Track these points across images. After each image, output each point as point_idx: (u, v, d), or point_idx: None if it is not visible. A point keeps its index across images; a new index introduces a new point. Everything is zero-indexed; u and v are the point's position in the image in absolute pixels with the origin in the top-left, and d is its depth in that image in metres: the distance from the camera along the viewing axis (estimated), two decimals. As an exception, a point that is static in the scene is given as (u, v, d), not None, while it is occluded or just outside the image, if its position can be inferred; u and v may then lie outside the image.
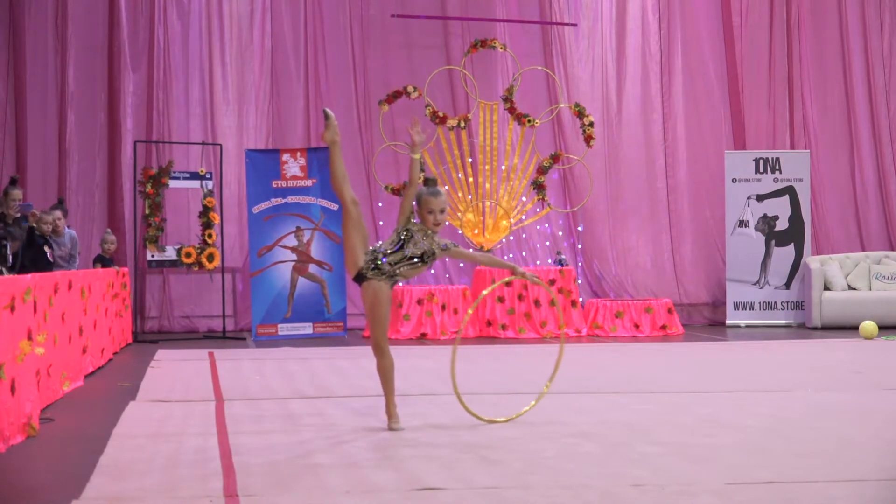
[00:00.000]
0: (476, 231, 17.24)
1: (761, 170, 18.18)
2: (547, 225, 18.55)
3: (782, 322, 18.02)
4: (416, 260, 7.41)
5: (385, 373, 7.64)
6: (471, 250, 7.47)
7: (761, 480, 5.78)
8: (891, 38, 19.77)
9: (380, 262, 7.36)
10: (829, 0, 19.70)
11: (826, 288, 17.40)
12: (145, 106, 17.88)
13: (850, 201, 19.62)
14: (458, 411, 8.24)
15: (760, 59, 19.46)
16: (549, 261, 17.98)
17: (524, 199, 17.46)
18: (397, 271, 7.41)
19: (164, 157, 17.22)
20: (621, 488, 5.59)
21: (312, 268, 16.49)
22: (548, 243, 18.56)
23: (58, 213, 14.07)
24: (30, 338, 7.71)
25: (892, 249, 18.90)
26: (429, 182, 7.46)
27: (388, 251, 7.40)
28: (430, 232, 7.47)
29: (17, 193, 13.31)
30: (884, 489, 5.63)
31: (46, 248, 13.50)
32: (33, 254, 13.10)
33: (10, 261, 13.02)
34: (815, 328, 17.15)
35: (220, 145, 17.54)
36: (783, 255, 18.15)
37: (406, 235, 7.42)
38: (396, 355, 13.28)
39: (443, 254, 7.51)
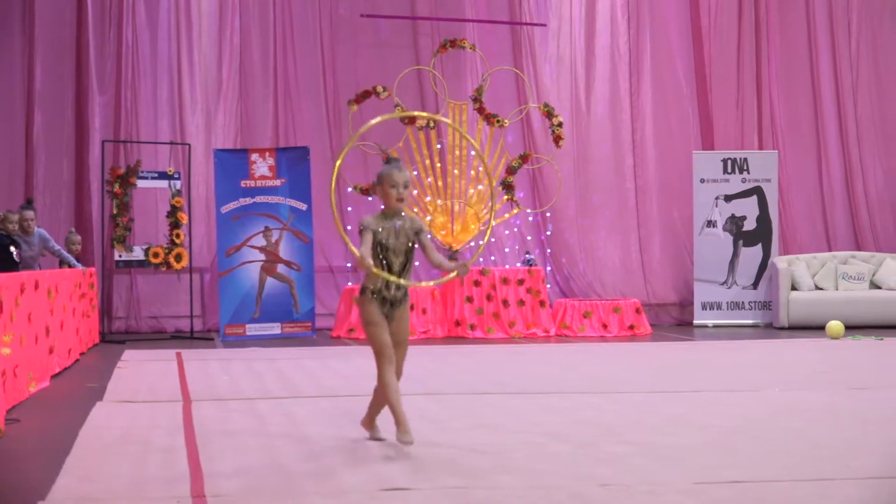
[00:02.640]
0: (445, 231, 17.25)
1: (729, 170, 18.26)
2: (516, 228, 18.58)
3: (750, 322, 18.09)
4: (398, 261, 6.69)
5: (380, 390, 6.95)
6: (430, 252, 6.92)
7: (728, 480, 5.79)
8: (858, 39, 19.88)
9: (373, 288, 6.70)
10: (797, 1, 19.81)
11: (793, 288, 17.49)
12: (113, 105, 17.81)
13: (817, 202, 19.73)
14: (427, 412, 8.24)
15: (729, 59, 19.55)
16: (518, 263, 17.99)
17: (496, 196, 17.45)
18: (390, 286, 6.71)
19: (132, 156, 17.19)
20: (590, 488, 5.60)
21: (281, 268, 16.47)
22: (517, 246, 18.58)
23: (30, 214, 14.02)
24: (-5, 338, 7.67)
25: (859, 250, 19.00)
26: (391, 160, 6.89)
27: (379, 286, 6.68)
28: (395, 216, 6.76)
29: (-16, 196, 13.24)
30: (852, 488, 5.65)
31: (12, 248, 13.41)
32: (2, 254, 13.01)
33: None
34: (782, 328, 17.25)
35: (189, 145, 17.49)
36: (751, 256, 18.23)
37: (380, 249, 6.63)
38: (364, 356, 13.30)
39: (417, 236, 6.77)
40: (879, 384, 10.32)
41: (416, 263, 17.76)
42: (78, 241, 15.83)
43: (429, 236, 6.97)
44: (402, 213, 6.75)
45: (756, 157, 18.49)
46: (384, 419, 6.89)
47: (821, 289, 17.61)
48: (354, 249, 6.54)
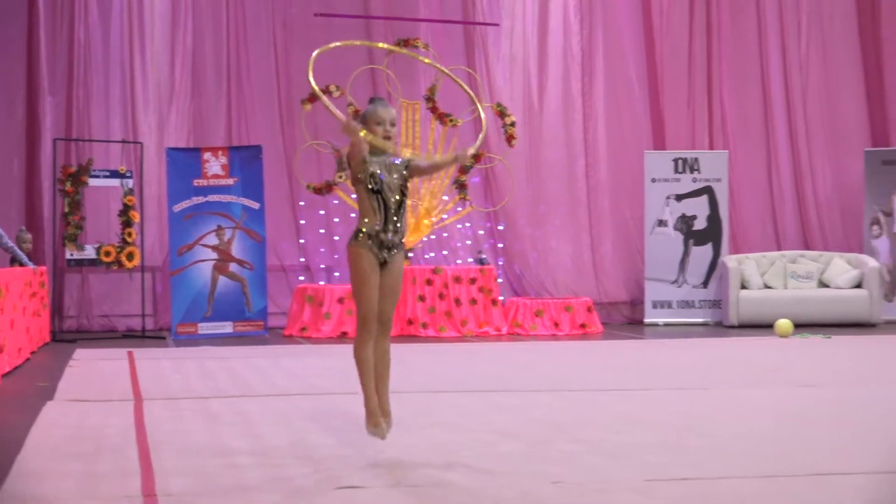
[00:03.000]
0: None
1: (680, 170, 18.36)
2: (468, 224, 18.61)
3: (700, 320, 18.20)
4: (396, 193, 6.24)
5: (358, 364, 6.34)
6: (424, 162, 6.72)
7: (679, 477, 5.85)
8: (808, 42, 20.03)
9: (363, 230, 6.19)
10: (749, 3, 19.95)
11: (743, 286, 17.61)
12: (65, 104, 17.72)
13: (766, 201, 19.88)
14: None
15: (680, 60, 19.66)
16: (470, 259, 18.03)
17: (446, 198, 17.49)
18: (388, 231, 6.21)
19: (84, 155, 17.10)
20: (541, 486, 5.63)
21: (233, 266, 16.43)
22: (468, 242, 18.62)
23: None
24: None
25: (808, 249, 19.15)
26: (375, 100, 6.41)
27: (377, 227, 6.18)
28: (384, 153, 6.29)
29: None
30: (799, 484, 5.70)
31: None
32: None
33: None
34: (732, 326, 17.36)
35: (141, 144, 17.43)
36: (701, 255, 18.34)
37: (373, 182, 6.15)
38: (317, 354, 13.33)
39: (410, 171, 6.34)
40: (827, 382, 10.45)
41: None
42: (29, 239, 15.75)
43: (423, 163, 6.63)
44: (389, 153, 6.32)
45: (707, 158, 18.61)
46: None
47: (770, 287, 17.75)
48: (338, 113, 6.35)
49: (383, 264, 6.21)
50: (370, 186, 6.12)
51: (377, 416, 6.16)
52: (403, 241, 6.29)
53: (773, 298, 17.39)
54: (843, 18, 20.15)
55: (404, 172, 6.31)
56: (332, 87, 16.92)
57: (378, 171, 6.14)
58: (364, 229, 6.15)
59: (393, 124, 6.27)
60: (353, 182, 6.24)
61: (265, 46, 18.48)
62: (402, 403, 8.71)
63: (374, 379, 6.26)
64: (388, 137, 6.21)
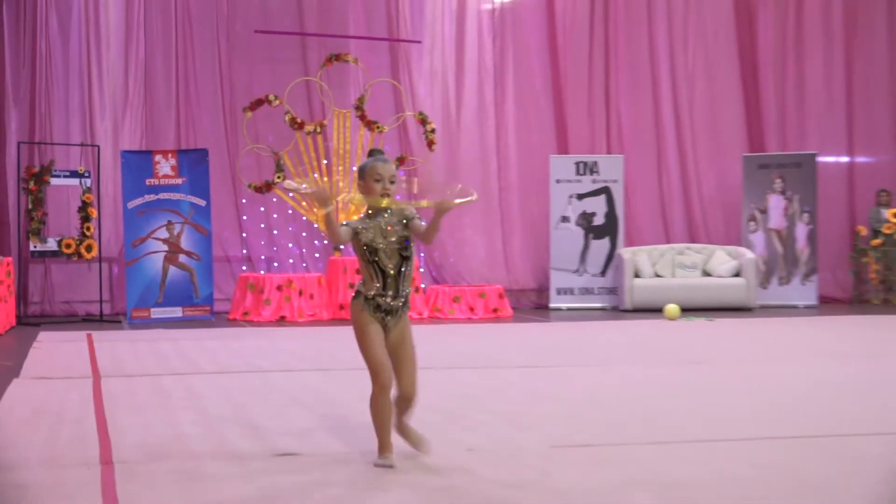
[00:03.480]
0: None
1: (581, 172, 18.48)
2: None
3: (598, 305, 18.33)
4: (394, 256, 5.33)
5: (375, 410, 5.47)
6: (423, 226, 5.37)
7: (580, 444, 5.93)
8: (693, 58, 20.23)
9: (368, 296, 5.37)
10: (641, 21, 20.10)
11: (636, 275, 17.77)
12: (28, 109, 17.57)
13: (657, 200, 20.05)
14: (317, 386, 8.29)
15: (581, 74, 19.77)
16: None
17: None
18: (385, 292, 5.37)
19: (46, 156, 17.02)
20: (457, 452, 5.70)
21: (182, 257, 16.38)
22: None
23: None
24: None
25: (693, 242, 19.36)
26: (374, 152, 5.43)
27: (373, 293, 5.37)
28: (379, 213, 5.38)
29: None
30: (688, 450, 5.80)
31: None
32: None
33: None
34: (626, 310, 17.49)
35: (98, 147, 17.32)
36: (599, 247, 18.47)
37: (368, 253, 5.33)
38: (258, 336, 13.30)
39: (408, 228, 5.36)
40: (711, 359, 10.57)
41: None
42: None
43: (423, 223, 5.37)
44: (389, 210, 5.35)
45: (604, 161, 18.74)
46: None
47: (660, 276, 17.93)
48: (306, 189, 5.44)
49: (386, 327, 5.37)
50: (366, 257, 5.31)
51: (390, 449, 5.36)
52: (407, 304, 5.45)
53: (662, 286, 17.57)
54: (724, 38, 20.36)
55: (403, 233, 5.31)
56: (272, 97, 16.88)
57: (372, 240, 5.27)
58: (363, 291, 5.38)
59: (392, 181, 5.33)
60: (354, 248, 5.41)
61: (211, 59, 18.39)
62: (336, 379, 8.76)
63: (389, 430, 5.43)
64: (385, 195, 5.29)
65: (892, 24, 20.78)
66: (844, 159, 20.65)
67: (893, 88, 20.76)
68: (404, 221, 5.34)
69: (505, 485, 4.97)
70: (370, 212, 5.38)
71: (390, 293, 5.32)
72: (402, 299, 5.37)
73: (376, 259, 5.30)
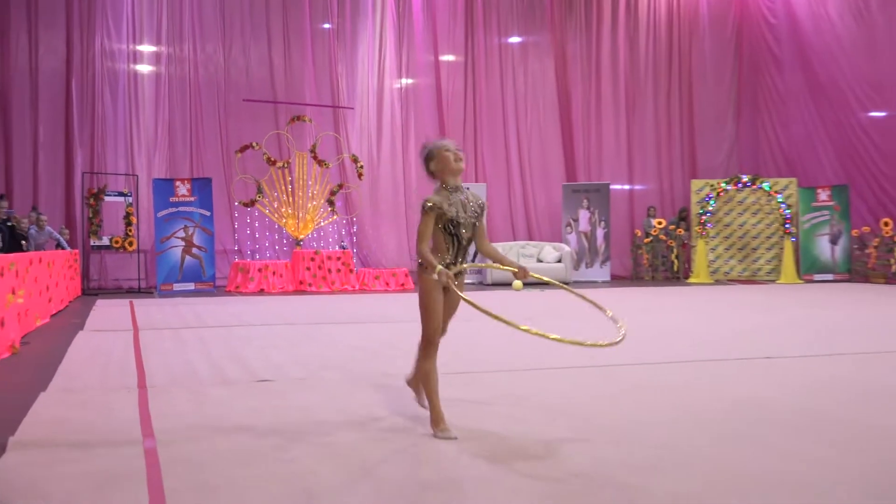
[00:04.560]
0: (294, 228, 17.26)
1: (458, 194, 18.62)
2: (335, 224, 18.69)
3: (470, 281, 18.39)
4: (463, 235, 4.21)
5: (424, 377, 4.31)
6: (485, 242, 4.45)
7: (456, 371, 6.01)
8: (530, 119, 20.49)
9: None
10: (497, 96, 20.30)
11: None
12: (89, 150, 17.33)
13: (507, 213, 20.15)
14: (281, 337, 8.33)
15: (458, 129, 19.92)
16: (337, 246, 18.10)
17: (322, 210, 17.52)
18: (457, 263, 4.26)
19: (101, 182, 16.79)
20: (377, 377, 5.76)
21: (194, 250, 16.29)
22: (336, 236, 18.70)
23: (44, 217, 14.47)
24: (13, 293, 7.54)
25: (531, 240, 19.56)
26: (430, 141, 4.34)
27: (448, 260, 4.22)
28: (458, 189, 4.24)
29: (3, 204, 12.96)
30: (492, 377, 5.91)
31: (23, 241, 13.13)
32: (13, 243, 12.76)
33: (1, 246, 12.58)
34: (488, 284, 17.52)
35: (137, 175, 17.15)
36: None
37: (451, 226, 4.17)
38: (245, 302, 13.20)
39: (480, 213, 4.30)
40: (538, 315, 10.54)
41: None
42: (66, 233, 15.75)
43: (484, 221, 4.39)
44: (462, 186, 4.25)
45: (474, 187, 18.79)
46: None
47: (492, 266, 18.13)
48: (438, 267, 3.99)
49: (448, 289, 4.15)
50: (448, 229, 4.13)
51: (443, 420, 4.12)
52: (466, 269, 4.28)
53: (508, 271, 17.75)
54: (550, 107, 20.63)
55: (478, 211, 4.26)
56: (255, 144, 16.82)
57: (456, 215, 4.14)
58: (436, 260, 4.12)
59: (458, 149, 4.25)
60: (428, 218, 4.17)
61: (213, 117, 18.25)
62: (296, 332, 8.76)
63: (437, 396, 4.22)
64: (459, 159, 4.17)
65: (656, 99, 21.31)
66: (627, 187, 21.12)
67: (657, 142, 21.30)
68: (481, 210, 4.28)
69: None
70: (445, 187, 4.20)
71: (459, 261, 4.24)
72: (466, 264, 4.28)
73: (456, 231, 4.17)
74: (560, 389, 5.35)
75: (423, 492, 3.13)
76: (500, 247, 18.40)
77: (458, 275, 4.21)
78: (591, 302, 4.24)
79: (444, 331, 4.33)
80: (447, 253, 4.17)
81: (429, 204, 4.09)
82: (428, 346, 4.21)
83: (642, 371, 6.03)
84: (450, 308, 4.30)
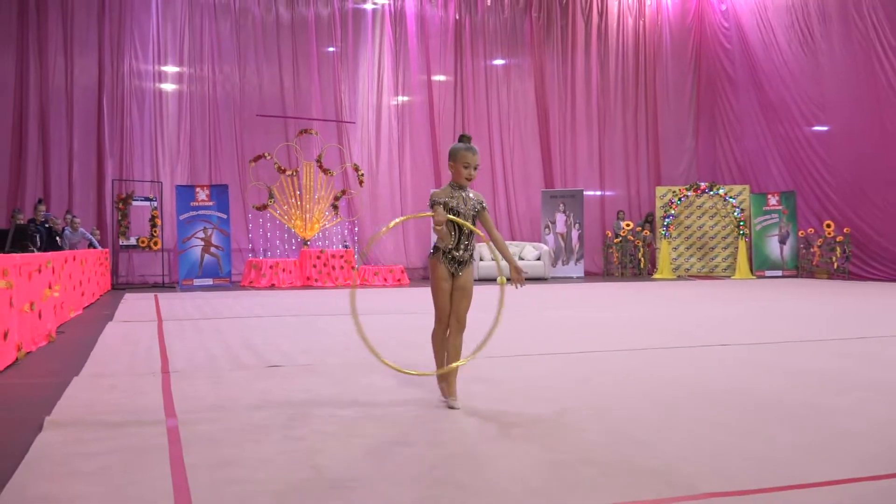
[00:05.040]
0: (301, 230, 17.22)
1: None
2: (338, 226, 18.66)
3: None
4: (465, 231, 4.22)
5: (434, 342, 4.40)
6: (489, 228, 4.32)
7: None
8: (513, 133, 20.54)
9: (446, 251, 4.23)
10: (483, 112, 20.35)
11: (480, 259, 17.92)
12: (119, 160, 17.35)
13: (493, 215, 20.18)
14: (287, 326, 8.29)
15: (448, 142, 19.94)
16: (340, 245, 18.07)
17: (327, 213, 17.51)
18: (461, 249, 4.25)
19: (130, 188, 16.76)
20: (382, 365, 5.74)
21: (213, 249, 16.26)
22: (339, 237, 18.67)
23: (78, 220, 14.48)
24: (50, 287, 7.48)
25: (513, 240, 19.57)
26: (464, 138, 4.27)
27: (451, 246, 4.22)
28: (462, 188, 4.26)
29: (41, 208, 12.87)
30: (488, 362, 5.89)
31: (58, 239, 13.06)
32: (50, 242, 12.69)
33: (39, 245, 12.50)
34: (476, 280, 17.53)
35: (161, 182, 17.10)
36: (459, 243, 18.63)
37: (452, 213, 4.19)
38: (258, 296, 13.17)
39: (480, 209, 4.30)
40: (523, 305, 10.56)
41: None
42: (98, 234, 15.63)
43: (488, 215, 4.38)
44: (467, 187, 4.29)
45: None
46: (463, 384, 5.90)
47: (493, 260, 18.07)
48: (435, 214, 4.11)
49: (455, 275, 4.23)
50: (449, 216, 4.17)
51: (453, 387, 4.25)
52: (472, 257, 4.29)
53: (495, 266, 17.72)
54: (530, 123, 20.71)
55: (477, 207, 4.27)
56: (267, 154, 16.78)
57: (456, 205, 4.18)
58: (440, 247, 4.24)
59: (476, 168, 4.25)
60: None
61: (229, 130, 18.23)
62: (305, 322, 8.72)
63: (443, 361, 4.31)
64: (469, 179, 4.21)
65: (625, 115, 21.35)
66: (598, 193, 21.15)
67: (625, 153, 21.33)
68: (480, 206, 4.30)
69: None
70: (456, 185, 4.25)
71: (462, 247, 4.22)
72: (469, 253, 4.26)
73: (456, 220, 4.18)
74: (539, 373, 5.33)
75: (424, 466, 3.11)
76: (486, 247, 18.35)
77: (462, 263, 4.26)
78: (499, 307, 4.25)
79: (464, 323, 4.29)
80: (450, 239, 4.21)
81: (433, 200, 4.23)
82: (437, 321, 4.29)
83: (615, 357, 6.02)
84: (462, 295, 4.25)
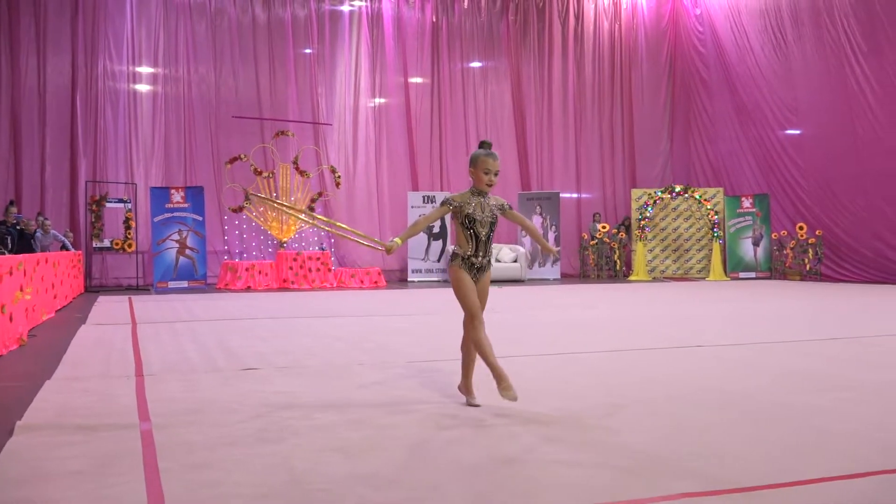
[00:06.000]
0: (278, 232, 17.13)
1: (426, 202, 18.56)
2: (314, 229, 18.56)
3: (436, 279, 18.48)
4: (484, 233, 4.23)
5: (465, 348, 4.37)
6: (519, 218, 4.45)
7: (422, 360, 5.97)
8: (490, 135, 20.57)
9: (463, 257, 4.22)
10: (459, 115, 20.31)
11: (457, 262, 17.95)
12: (92, 161, 17.16)
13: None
14: (266, 328, 8.25)
15: (425, 144, 20.00)
16: (317, 247, 18.00)
17: (303, 215, 17.39)
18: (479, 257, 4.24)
19: (104, 189, 16.61)
20: (352, 366, 5.72)
21: (188, 251, 16.14)
22: (316, 238, 18.59)
23: (49, 222, 14.23)
24: (21, 290, 7.38)
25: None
26: (484, 144, 4.28)
27: (469, 253, 4.20)
28: (481, 194, 4.24)
29: (13, 210, 12.75)
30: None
31: (32, 241, 12.89)
32: (22, 244, 12.54)
33: (10, 247, 12.33)
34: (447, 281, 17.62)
35: (136, 184, 16.95)
36: (437, 245, 18.61)
37: (468, 222, 4.20)
38: (233, 298, 13.10)
39: (503, 214, 4.31)
40: (499, 307, 10.61)
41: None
42: (71, 236, 15.44)
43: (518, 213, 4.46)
44: (487, 193, 4.26)
45: (440, 195, 18.81)
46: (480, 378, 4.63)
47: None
48: (379, 247, 4.23)
49: (475, 281, 4.24)
50: (465, 224, 4.18)
51: (506, 379, 4.04)
52: (490, 263, 4.30)
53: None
54: (507, 126, 20.74)
55: (496, 212, 4.24)
56: (243, 156, 16.69)
57: (473, 212, 4.17)
58: (459, 253, 4.22)
59: (496, 174, 4.22)
60: (453, 219, 4.29)
61: (205, 132, 18.11)
62: (280, 324, 8.68)
63: (477, 358, 4.28)
64: (490, 185, 4.18)
65: (601, 118, 21.46)
66: (574, 195, 21.24)
67: (601, 156, 21.44)
68: (502, 208, 4.28)
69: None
70: (476, 191, 4.21)
71: (480, 253, 4.22)
72: (487, 259, 4.26)
73: (473, 226, 4.19)
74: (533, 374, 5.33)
75: (400, 469, 3.10)
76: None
77: (481, 269, 4.25)
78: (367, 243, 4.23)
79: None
80: (468, 245, 4.22)
81: (445, 197, 4.25)
82: (472, 319, 4.19)
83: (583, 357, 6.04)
84: (479, 298, 4.25)
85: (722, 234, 19.00)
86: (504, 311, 10.37)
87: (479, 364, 4.38)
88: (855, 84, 16.58)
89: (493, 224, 4.25)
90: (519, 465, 3.10)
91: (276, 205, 4.04)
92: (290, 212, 3.72)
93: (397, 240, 4.15)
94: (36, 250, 13.35)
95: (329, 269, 16.65)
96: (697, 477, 2.91)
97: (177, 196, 16.18)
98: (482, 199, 4.22)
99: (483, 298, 4.27)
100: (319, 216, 4.09)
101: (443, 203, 4.23)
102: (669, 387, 4.77)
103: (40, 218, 14.61)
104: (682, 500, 2.66)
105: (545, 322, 8.95)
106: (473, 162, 4.22)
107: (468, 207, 4.19)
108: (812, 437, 3.52)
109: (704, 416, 3.97)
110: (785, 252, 18.18)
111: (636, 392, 4.62)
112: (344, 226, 4.19)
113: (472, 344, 4.25)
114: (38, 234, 13.99)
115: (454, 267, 4.25)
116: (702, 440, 3.47)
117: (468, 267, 4.22)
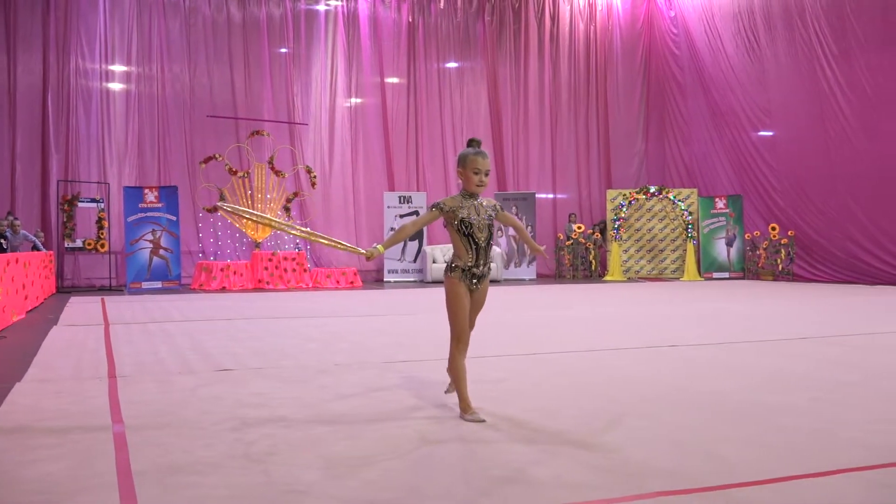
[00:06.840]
0: (253, 232, 17.03)
1: (402, 202, 18.62)
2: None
3: (412, 279, 18.51)
4: (480, 240, 3.98)
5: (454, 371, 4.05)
6: (510, 218, 4.21)
7: (401, 359, 5.97)
8: (466, 134, 20.51)
9: (462, 267, 3.98)
10: (436, 115, 20.32)
11: (433, 261, 18.02)
12: (64, 160, 16.97)
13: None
14: (241, 329, 8.20)
15: (401, 144, 19.97)
16: (292, 247, 17.91)
17: (279, 214, 17.32)
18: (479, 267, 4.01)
19: (76, 189, 16.44)
20: (328, 366, 5.70)
21: (162, 251, 16.00)
22: (291, 238, 18.50)
23: (18, 221, 14.09)
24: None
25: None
26: (473, 142, 4.06)
27: (470, 263, 3.97)
28: (473, 196, 4.01)
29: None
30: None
31: (2, 241, 12.73)
32: None
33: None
34: (428, 282, 17.72)
35: (108, 183, 16.78)
36: (413, 245, 18.64)
37: (464, 227, 3.96)
38: (208, 299, 12.99)
39: (496, 215, 4.07)
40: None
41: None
42: (42, 236, 15.28)
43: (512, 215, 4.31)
44: (479, 195, 4.03)
45: (415, 196, 18.88)
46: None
47: (440, 264, 18.15)
48: (361, 251, 3.86)
49: (473, 290, 4.01)
50: (462, 230, 3.95)
51: (470, 407, 3.92)
52: (490, 270, 4.06)
53: (441, 268, 17.74)
54: (483, 125, 20.75)
55: (492, 213, 4.02)
56: (217, 155, 16.59)
57: (468, 216, 3.95)
58: (458, 265, 3.96)
59: (487, 174, 4.00)
60: (446, 226, 4.05)
61: (179, 131, 17.97)
62: (254, 325, 8.64)
63: (464, 388, 4.00)
64: (480, 185, 3.96)
65: (576, 119, 21.56)
66: (550, 196, 21.33)
67: (576, 157, 21.54)
68: (495, 209, 4.06)
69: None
70: (467, 194, 4.00)
71: (481, 262, 3.99)
72: (488, 266, 4.03)
73: (471, 232, 3.94)
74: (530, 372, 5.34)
75: (376, 470, 3.10)
76: (440, 249, 18.44)
77: (481, 278, 4.02)
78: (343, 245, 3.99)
79: (471, 325, 4.09)
80: (467, 255, 3.98)
81: (436, 204, 3.98)
82: (458, 342, 3.97)
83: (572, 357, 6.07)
84: (476, 305, 4.07)
85: (696, 234, 19.16)
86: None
87: (475, 364, 4.37)
88: (826, 87, 16.79)
89: (490, 227, 4.02)
90: (489, 464, 3.11)
91: (246, 216, 3.96)
92: (265, 222, 3.55)
93: (379, 247, 3.89)
94: (6, 251, 13.19)
95: (305, 270, 16.59)
96: (671, 476, 2.94)
97: (150, 196, 16.04)
98: (475, 202, 4.00)
99: (479, 306, 4.07)
100: (298, 227, 3.94)
101: (432, 208, 3.98)
102: (644, 386, 4.80)
103: (10, 218, 14.44)
104: (656, 499, 2.69)
105: (519, 322, 8.97)
106: (462, 162, 3.98)
107: (461, 211, 3.95)
108: (784, 435, 3.56)
109: (678, 415, 4.01)
110: (758, 252, 18.37)
111: (610, 392, 4.65)
112: (322, 235, 4.04)
113: (449, 365, 4.03)
114: (7, 235, 13.82)
115: (452, 279, 3.97)
116: (675, 439, 3.50)
117: (468, 278, 3.98)
